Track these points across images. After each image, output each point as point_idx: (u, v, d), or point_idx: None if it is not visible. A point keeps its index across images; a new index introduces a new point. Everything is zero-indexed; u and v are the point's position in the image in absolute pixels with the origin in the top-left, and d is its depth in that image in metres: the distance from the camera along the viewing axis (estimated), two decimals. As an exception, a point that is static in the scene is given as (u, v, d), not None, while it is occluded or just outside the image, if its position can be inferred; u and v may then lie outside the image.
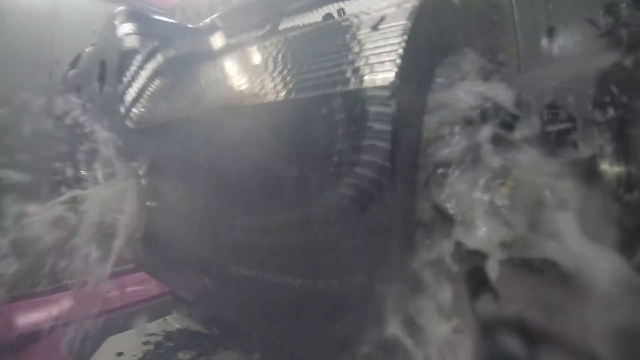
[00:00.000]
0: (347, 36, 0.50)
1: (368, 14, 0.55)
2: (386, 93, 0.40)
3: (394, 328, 0.44)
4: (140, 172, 0.75)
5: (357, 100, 0.42)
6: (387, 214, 0.42)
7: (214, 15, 0.84)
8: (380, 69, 0.41)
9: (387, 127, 0.40)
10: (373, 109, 0.41)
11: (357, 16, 0.57)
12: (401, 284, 0.44)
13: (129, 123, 0.79)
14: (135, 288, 1.73)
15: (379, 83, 0.40)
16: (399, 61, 0.40)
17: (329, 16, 0.81)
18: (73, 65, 1.10)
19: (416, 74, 0.44)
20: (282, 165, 0.50)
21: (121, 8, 0.96)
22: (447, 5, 0.61)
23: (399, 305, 0.43)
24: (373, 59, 0.43)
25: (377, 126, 0.41)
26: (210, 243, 0.61)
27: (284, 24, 0.77)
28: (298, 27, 0.75)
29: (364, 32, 0.49)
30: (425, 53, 0.48)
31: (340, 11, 0.83)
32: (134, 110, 0.78)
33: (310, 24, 0.69)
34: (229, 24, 0.79)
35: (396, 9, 0.49)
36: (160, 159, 0.71)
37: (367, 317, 0.46)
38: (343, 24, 0.56)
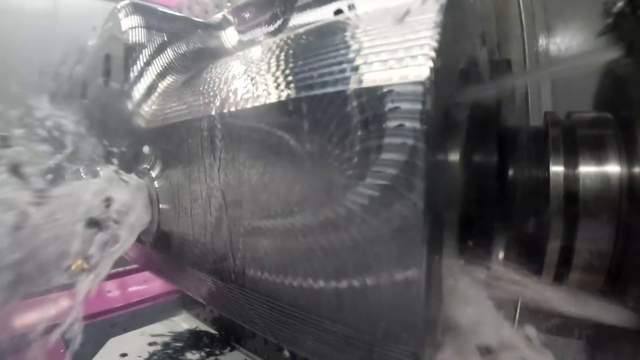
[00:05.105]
0: (370, 29, 0.49)
1: (386, 8, 0.53)
2: (420, 89, 0.38)
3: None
4: (153, 174, 0.73)
5: (386, 96, 0.41)
6: (417, 214, 0.41)
7: (225, 11, 0.82)
8: (413, 63, 0.39)
9: (421, 125, 0.38)
10: (405, 106, 0.39)
11: (374, 10, 0.55)
12: (431, 285, 0.43)
13: (138, 121, 0.77)
14: (138, 287, 1.71)
15: (411, 79, 0.39)
16: (432, 55, 0.39)
17: (340, 12, 0.79)
18: (78, 60, 1.07)
19: (446, 70, 0.43)
20: (305, 165, 0.48)
21: (125, 1, 0.93)
22: (466, 1, 0.60)
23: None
24: (402, 53, 0.42)
25: (409, 124, 0.39)
26: (227, 246, 0.60)
27: (296, 20, 0.76)
28: (310, 23, 0.73)
29: (387, 26, 0.47)
30: (452, 48, 0.46)
31: (351, 6, 0.81)
32: (144, 107, 0.75)
33: (323, 20, 0.67)
34: (240, 19, 0.76)
35: (421, 3, 0.48)
36: (173, 159, 0.69)
37: (396, 320, 0.45)
38: (362, 17, 0.54)
